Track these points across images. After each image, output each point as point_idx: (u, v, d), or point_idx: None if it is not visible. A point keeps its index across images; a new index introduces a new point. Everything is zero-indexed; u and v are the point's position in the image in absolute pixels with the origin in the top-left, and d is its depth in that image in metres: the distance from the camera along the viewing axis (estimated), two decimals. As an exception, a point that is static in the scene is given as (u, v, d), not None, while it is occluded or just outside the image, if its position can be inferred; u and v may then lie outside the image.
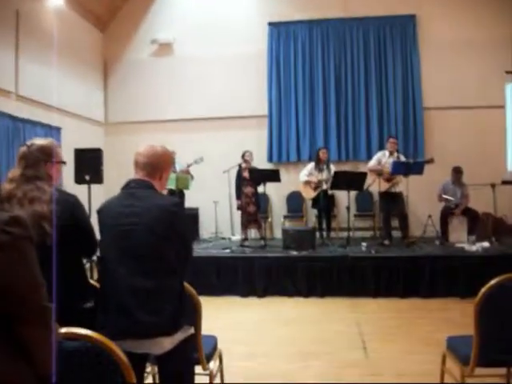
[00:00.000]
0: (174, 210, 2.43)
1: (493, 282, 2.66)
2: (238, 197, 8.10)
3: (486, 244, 7.24)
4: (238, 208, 8.13)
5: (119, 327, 2.26)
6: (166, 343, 2.30)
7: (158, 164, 2.54)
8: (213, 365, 3.06)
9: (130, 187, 2.49)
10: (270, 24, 10.11)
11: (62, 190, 2.65)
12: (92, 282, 2.74)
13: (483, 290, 2.66)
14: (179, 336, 2.37)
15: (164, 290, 2.33)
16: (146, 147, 2.56)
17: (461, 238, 7.80)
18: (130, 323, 2.26)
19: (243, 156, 8.21)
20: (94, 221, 2.57)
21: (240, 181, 8.02)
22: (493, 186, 8.03)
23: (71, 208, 2.49)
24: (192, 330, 2.53)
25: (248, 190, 7.92)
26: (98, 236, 2.54)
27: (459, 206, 8.13)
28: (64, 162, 2.74)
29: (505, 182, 8.38)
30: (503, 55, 9.46)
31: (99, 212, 2.52)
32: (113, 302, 2.31)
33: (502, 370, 3.19)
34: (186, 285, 2.62)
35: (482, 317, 2.68)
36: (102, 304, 2.37)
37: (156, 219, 2.36)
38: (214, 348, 3.14)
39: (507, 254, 6.84)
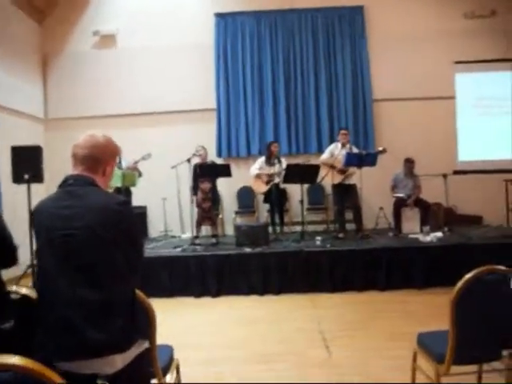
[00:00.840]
0: (119, 209, 2.11)
1: (469, 275, 2.50)
2: (195, 193, 7.80)
3: (439, 234, 7.28)
4: (197, 205, 7.81)
5: (63, 346, 1.96)
6: (118, 361, 1.99)
7: (100, 156, 2.21)
8: (170, 377, 2.79)
9: (67, 184, 2.15)
10: (217, 15, 9.82)
11: None
12: (22, 291, 2.36)
13: (459, 284, 2.49)
14: (132, 352, 2.08)
15: (113, 302, 2.02)
16: (85, 137, 2.22)
17: (413, 229, 7.84)
18: (76, 341, 1.94)
19: (196, 151, 7.93)
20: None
21: (195, 177, 7.72)
22: (444, 176, 8.06)
23: None
24: (146, 344, 2.25)
25: (205, 185, 7.63)
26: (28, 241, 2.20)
27: (411, 196, 8.10)
28: None
29: (457, 172, 8.44)
30: (452, 45, 9.54)
31: (33, 214, 2.18)
32: (54, 318, 1.99)
33: (473, 367, 3.07)
34: (138, 292, 2.31)
35: (458, 312, 2.50)
36: (41, 320, 2.05)
37: (99, 220, 2.05)
38: (171, 358, 2.87)
39: (461, 243, 6.88)
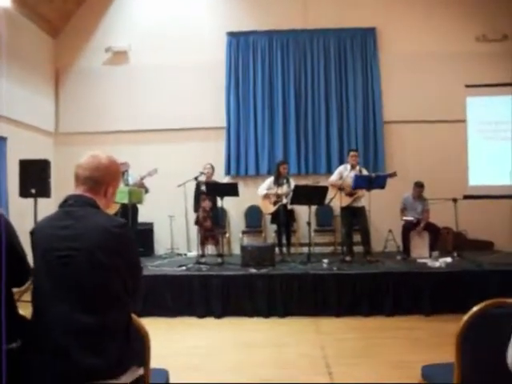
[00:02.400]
0: (118, 232, 2.06)
1: (475, 308, 2.41)
2: (196, 210, 7.75)
3: (448, 259, 7.16)
4: (196, 223, 7.78)
5: (56, 371, 1.91)
6: None
7: (101, 178, 2.18)
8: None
9: (67, 204, 2.12)
10: (229, 34, 9.87)
11: None
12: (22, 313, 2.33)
13: (465, 317, 2.40)
14: (126, 379, 2.01)
15: (108, 327, 1.98)
16: (87, 158, 2.19)
17: (422, 254, 7.71)
18: (69, 366, 1.90)
19: (203, 169, 7.88)
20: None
21: (198, 194, 7.67)
22: (454, 200, 7.95)
23: None
24: (141, 371, 2.18)
25: (206, 204, 7.59)
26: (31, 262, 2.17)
27: (420, 221, 8.01)
28: None
29: (467, 197, 8.34)
30: (464, 69, 9.49)
31: (32, 233, 2.14)
32: (48, 342, 1.95)
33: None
34: (134, 317, 2.26)
35: (464, 348, 2.41)
36: (35, 344, 2.00)
37: (98, 243, 2.00)
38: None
39: (470, 269, 6.75)
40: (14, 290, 2.25)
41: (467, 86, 9.09)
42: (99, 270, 1.99)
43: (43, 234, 2.10)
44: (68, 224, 2.05)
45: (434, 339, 5.18)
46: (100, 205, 2.17)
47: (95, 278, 1.99)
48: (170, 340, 5.32)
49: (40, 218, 6.20)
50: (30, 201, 6.81)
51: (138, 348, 2.23)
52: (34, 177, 6.68)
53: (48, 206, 6.94)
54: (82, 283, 1.98)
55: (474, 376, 2.44)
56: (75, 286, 1.97)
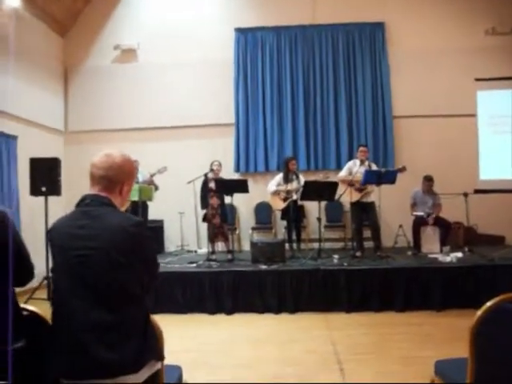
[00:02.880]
0: (134, 231, 2.08)
1: (489, 303, 2.39)
2: (203, 207, 7.74)
3: (459, 254, 7.13)
4: (204, 219, 7.78)
5: (75, 367, 1.96)
6: (131, 382, 1.98)
7: (116, 176, 2.19)
8: (178, 400, 2.73)
9: (84, 204, 2.15)
10: (237, 30, 9.86)
11: None
12: (30, 308, 2.33)
13: (479, 312, 2.39)
14: (145, 373, 2.06)
15: (126, 323, 2.01)
16: (101, 157, 2.20)
17: (433, 249, 7.69)
18: (89, 361, 1.94)
19: (211, 166, 7.84)
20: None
21: (206, 191, 7.67)
22: (465, 195, 7.91)
23: None
24: (159, 365, 2.22)
25: (214, 201, 7.58)
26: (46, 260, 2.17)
27: (431, 215, 7.97)
28: None
29: (477, 191, 8.29)
30: (473, 62, 9.44)
31: (49, 232, 2.18)
32: (67, 339, 1.99)
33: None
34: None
35: (478, 343, 2.40)
36: (55, 341, 2.04)
37: (114, 242, 2.03)
38: (179, 380, 2.80)
39: (481, 264, 6.69)
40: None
41: (477, 80, 9.02)
42: (116, 269, 2.02)
43: (60, 234, 2.13)
44: (84, 223, 2.08)
45: (445, 335, 5.17)
46: (115, 203, 2.20)
47: (112, 277, 2.02)
48: (180, 336, 5.34)
49: (51, 216, 6.26)
50: (41, 199, 6.87)
51: (155, 344, 2.24)
52: (45, 175, 6.73)
53: (58, 204, 7.06)
54: (99, 282, 2.01)
55: (487, 371, 2.43)
56: (92, 284, 2.01)
